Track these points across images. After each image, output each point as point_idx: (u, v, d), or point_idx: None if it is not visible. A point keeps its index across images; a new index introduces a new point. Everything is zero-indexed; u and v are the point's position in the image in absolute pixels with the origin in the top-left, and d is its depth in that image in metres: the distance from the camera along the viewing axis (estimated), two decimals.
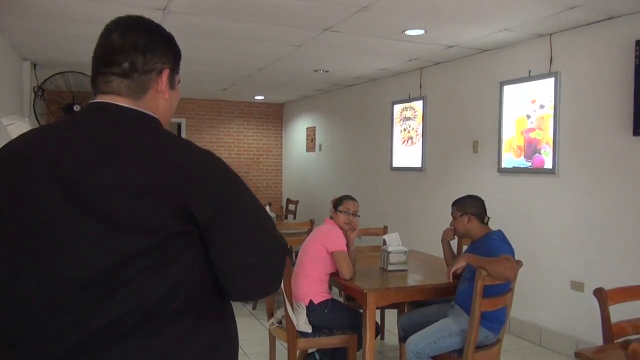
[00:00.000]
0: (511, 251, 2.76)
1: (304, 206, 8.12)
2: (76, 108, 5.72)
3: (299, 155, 8.53)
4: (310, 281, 3.05)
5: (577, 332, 3.77)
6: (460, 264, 2.73)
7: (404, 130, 5.82)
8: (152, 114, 1.08)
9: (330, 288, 3.21)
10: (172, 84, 1.12)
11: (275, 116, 9.08)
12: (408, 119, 5.75)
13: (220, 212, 0.98)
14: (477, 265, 2.60)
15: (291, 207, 7.46)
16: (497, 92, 4.49)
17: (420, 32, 4.01)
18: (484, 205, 2.97)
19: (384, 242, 3.39)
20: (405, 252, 3.34)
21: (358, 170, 6.84)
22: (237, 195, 1.04)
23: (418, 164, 5.56)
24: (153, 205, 0.93)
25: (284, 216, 7.48)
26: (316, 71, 5.76)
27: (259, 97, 8.27)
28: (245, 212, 1.04)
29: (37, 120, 5.52)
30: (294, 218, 7.38)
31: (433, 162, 5.39)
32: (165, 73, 1.10)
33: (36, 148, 1.01)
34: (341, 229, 3.20)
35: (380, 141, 6.27)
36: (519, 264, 2.75)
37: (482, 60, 4.71)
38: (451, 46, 4.48)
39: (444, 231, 3.12)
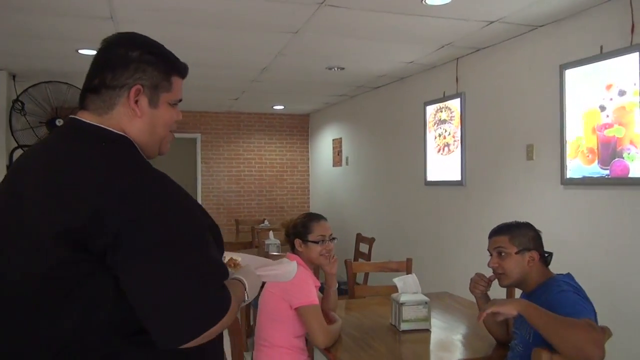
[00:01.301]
0: (592, 311, 1.68)
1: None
2: (58, 122, 5.05)
3: (326, 171, 7.59)
4: (275, 353, 2.08)
5: None
6: (504, 310, 1.66)
7: (439, 135, 4.77)
8: (118, 132, 1.07)
9: (311, 352, 2.23)
10: (152, 102, 1.11)
11: (300, 128, 8.20)
12: (443, 121, 4.70)
13: (120, 243, 0.92)
14: (537, 324, 1.56)
15: None
16: (557, 79, 3.38)
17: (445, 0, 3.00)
18: (538, 234, 1.93)
19: (397, 289, 2.37)
20: (426, 303, 2.30)
21: (386, 186, 5.81)
22: (150, 227, 0.95)
23: (457, 177, 4.48)
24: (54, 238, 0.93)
25: None
26: (330, 69, 4.83)
27: (278, 107, 7.43)
28: (153, 246, 0.94)
29: (14, 137, 4.88)
30: None
31: (475, 173, 4.29)
32: (135, 90, 1.08)
33: (16, 163, 1.13)
34: (310, 265, 2.24)
35: (411, 151, 5.24)
36: (606, 333, 1.67)
37: (535, 38, 3.62)
38: (491, 22, 3.43)
39: (473, 280, 2.06)
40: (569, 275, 1.83)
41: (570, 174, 3.31)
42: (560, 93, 3.36)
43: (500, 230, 1.93)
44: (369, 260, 4.61)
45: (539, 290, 1.81)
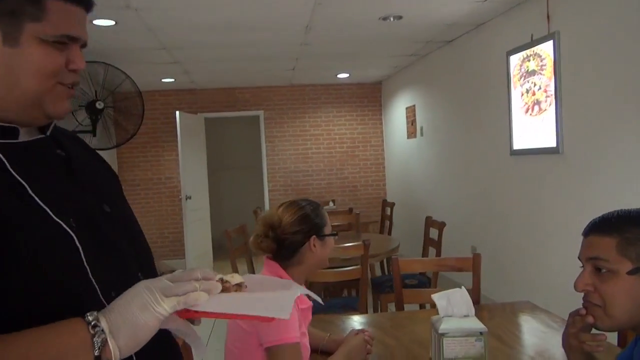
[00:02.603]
0: None
1: (406, 209, 6.33)
2: (99, 105, 4.75)
3: (400, 144, 6.74)
4: None
5: None
6: None
7: (527, 92, 3.77)
8: None
9: None
10: (8, 37, 0.77)
11: (371, 98, 7.38)
12: (532, 73, 3.69)
13: None
14: None
15: (388, 210, 5.73)
16: None
17: None
18: None
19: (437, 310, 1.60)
20: (482, 334, 1.51)
21: (463, 158, 4.87)
22: None
23: (551, 142, 3.49)
24: None
25: (384, 226, 5.79)
26: (384, 19, 3.99)
27: (343, 75, 6.66)
28: None
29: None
30: (390, 227, 5.65)
31: (576, 137, 3.28)
32: None
33: None
34: (307, 274, 1.68)
35: (493, 114, 4.27)
36: None
37: None
38: None
39: (570, 322, 1.16)
40: None
41: None
42: None
43: (603, 226, 1.05)
44: (439, 249, 3.79)
45: None
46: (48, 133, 0.86)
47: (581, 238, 1.10)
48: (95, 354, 0.64)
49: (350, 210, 5.15)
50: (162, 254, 6.99)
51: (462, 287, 1.61)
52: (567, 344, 1.16)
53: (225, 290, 0.77)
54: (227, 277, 0.80)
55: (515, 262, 3.99)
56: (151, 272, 0.92)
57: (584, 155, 3.20)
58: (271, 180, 7.18)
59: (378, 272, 4.75)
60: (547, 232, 3.58)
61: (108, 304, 0.71)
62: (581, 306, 1.10)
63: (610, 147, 2.95)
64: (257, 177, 7.51)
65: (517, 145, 3.93)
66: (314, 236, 1.63)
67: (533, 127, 3.71)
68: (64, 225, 0.76)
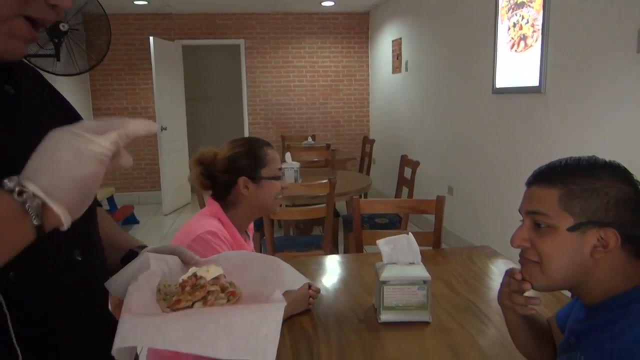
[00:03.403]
0: None
1: (387, 147, 6.20)
2: (63, 27, 4.45)
3: (385, 79, 6.50)
4: None
5: None
6: None
7: (514, 25, 3.54)
8: None
9: None
10: None
11: (358, 29, 7.04)
12: (521, 5, 3.45)
13: None
14: None
15: (368, 147, 5.61)
16: None
17: None
18: (635, 195, 0.90)
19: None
20: (425, 282, 1.42)
21: (446, 96, 4.69)
22: None
23: (534, 81, 3.31)
24: None
25: (363, 164, 5.68)
26: None
27: (327, 4, 6.29)
28: None
29: None
30: (369, 165, 5.54)
31: (559, 76, 3.11)
32: None
33: None
34: (247, 221, 1.60)
35: (477, 49, 4.05)
36: None
37: None
38: None
39: (505, 282, 1.04)
40: None
41: None
42: None
43: (548, 176, 0.93)
44: (412, 188, 3.70)
45: (610, 307, 0.86)
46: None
47: None
48: (35, 222, 0.51)
49: (328, 146, 5.01)
50: (138, 185, 6.89)
51: (410, 233, 1.51)
52: (501, 301, 1.07)
53: (200, 288, 0.63)
54: (202, 272, 0.65)
55: (491, 204, 3.93)
56: (93, 249, 0.77)
57: (566, 95, 3.04)
58: (251, 113, 6.97)
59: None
60: (524, 173, 3.48)
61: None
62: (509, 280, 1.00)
63: (595, 87, 2.79)
64: (237, 109, 7.29)
65: (499, 84, 3.75)
66: (244, 177, 1.52)
67: (517, 65, 3.51)
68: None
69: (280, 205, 2.90)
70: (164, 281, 0.68)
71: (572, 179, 0.89)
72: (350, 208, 4.69)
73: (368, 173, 5.49)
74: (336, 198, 3.12)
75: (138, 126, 0.57)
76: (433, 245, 2.27)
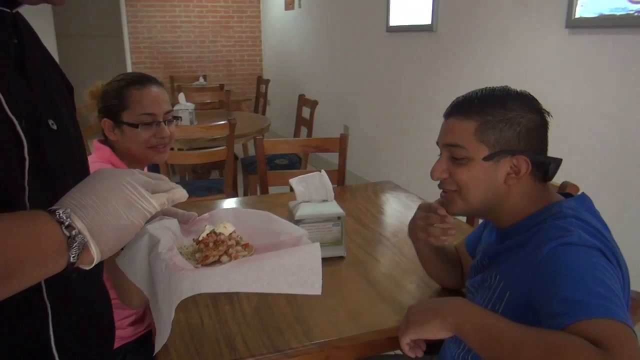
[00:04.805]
0: (622, 300, 0.75)
1: (282, 87, 6.11)
2: None
3: (278, 16, 6.29)
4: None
5: None
6: (423, 336, 0.86)
7: None
8: None
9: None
10: None
11: None
12: None
13: None
14: (485, 353, 0.76)
15: (263, 88, 5.46)
16: None
17: None
18: (546, 125, 0.95)
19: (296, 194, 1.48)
20: (339, 218, 1.43)
21: (341, 34, 4.67)
22: None
23: (426, 19, 3.39)
24: None
25: (258, 105, 5.53)
26: None
27: None
28: None
29: None
30: (265, 106, 5.42)
31: (450, 14, 3.20)
32: None
33: None
34: (133, 162, 1.44)
35: None
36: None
37: None
38: None
39: (419, 216, 1.09)
40: (582, 199, 0.93)
41: (581, 11, 2.27)
42: None
43: (465, 108, 0.94)
44: (311, 128, 3.70)
45: (521, 228, 0.92)
46: (14, 11, 0.65)
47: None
48: (72, 260, 0.53)
49: (221, 86, 4.80)
50: None
51: (322, 170, 1.49)
52: (414, 235, 1.10)
53: (222, 243, 0.71)
54: (220, 229, 0.73)
55: (385, 141, 4.06)
56: None
57: (456, 33, 3.15)
58: (134, 52, 6.43)
59: (252, 152, 4.62)
60: (418, 111, 3.63)
61: None
62: (438, 194, 1.03)
63: (483, 25, 2.92)
64: (117, 48, 6.67)
65: (393, 22, 3.80)
66: (106, 120, 1.39)
67: (410, 4, 3.56)
68: (18, 126, 0.59)
69: (172, 149, 2.74)
70: (179, 245, 0.74)
71: (487, 110, 0.92)
72: (247, 151, 4.61)
73: (264, 114, 5.38)
74: (235, 140, 3.01)
75: (181, 196, 0.64)
76: (338, 182, 2.30)
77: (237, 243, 0.72)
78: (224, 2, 6.66)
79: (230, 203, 2.03)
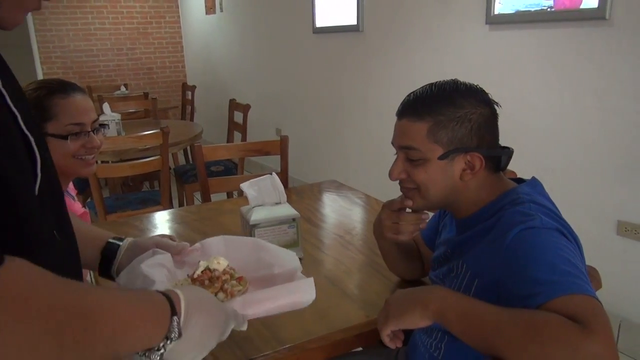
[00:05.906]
0: (581, 260, 0.84)
1: (209, 93, 5.99)
2: None
3: (198, 21, 6.16)
4: None
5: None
6: (403, 326, 0.86)
7: None
8: None
9: None
10: None
11: None
12: None
13: None
14: (467, 338, 0.79)
15: (189, 94, 5.32)
16: None
17: None
18: (496, 116, 0.99)
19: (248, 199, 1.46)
20: (294, 219, 1.42)
21: (267, 37, 4.65)
22: None
23: (352, 20, 3.45)
24: None
25: (185, 112, 5.37)
26: None
27: None
28: None
29: None
30: (192, 113, 5.29)
31: (376, 14, 3.29)
32: None
33: None
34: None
35: None
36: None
37: None
38: None
39: (387, 215, 1.10)
40: (534, 183, 0.99)
41: (499, 8, 2.41)
42: None
43: (416, 108, 0.95)
44: (245, 133, 3.65)
45: (481, 216, 0.96)
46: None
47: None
48: (162, 351, 0.59)
49: (146, 95, 4.62)
50: None
51: (273, 173, 1.47)
52: (379, 233, 1.12)
53: (216, 279, 0.74)
54: (213, 265, 0.75)
55: (319, 142, 4.10)
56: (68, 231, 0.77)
57: (382, 33, 3.24)
58: (45, 62, 6.04)
59: (182, 161, 4.48)
60: (349, 110, 3.69)
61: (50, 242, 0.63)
62: (396, 192, 1.05)
63: (408, 24, 3.02)
64: (26, 58, 6.23)
65: (319, 23, 3.84)
66: None
67: (336, 5, 3.62)
68: (33, 143, 0.62)
69: (98, 162, 2.60)
70: (173, 282, 0.77)
71: (438, 109, 0.93)
72: (177, 160, 4.47)
73: (192, 120, 5.25)
74: (169, 149, 2.91)
75: (243, 328, 0.72)
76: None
77: (232, 277, 0.76)
78: (141, 8, 6.41)
79: (170, 214, 1.96)
